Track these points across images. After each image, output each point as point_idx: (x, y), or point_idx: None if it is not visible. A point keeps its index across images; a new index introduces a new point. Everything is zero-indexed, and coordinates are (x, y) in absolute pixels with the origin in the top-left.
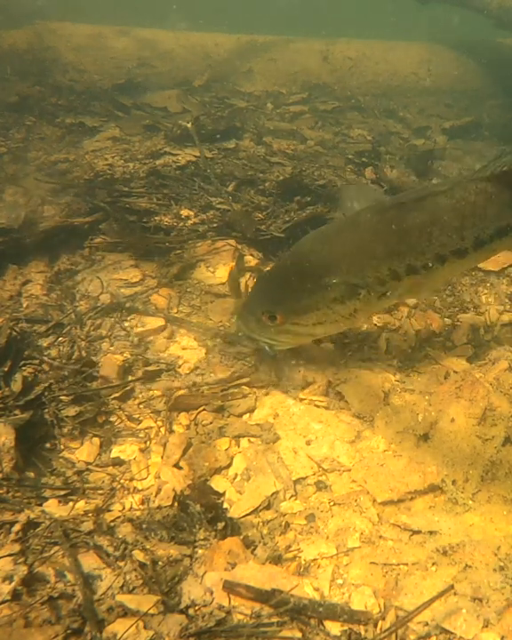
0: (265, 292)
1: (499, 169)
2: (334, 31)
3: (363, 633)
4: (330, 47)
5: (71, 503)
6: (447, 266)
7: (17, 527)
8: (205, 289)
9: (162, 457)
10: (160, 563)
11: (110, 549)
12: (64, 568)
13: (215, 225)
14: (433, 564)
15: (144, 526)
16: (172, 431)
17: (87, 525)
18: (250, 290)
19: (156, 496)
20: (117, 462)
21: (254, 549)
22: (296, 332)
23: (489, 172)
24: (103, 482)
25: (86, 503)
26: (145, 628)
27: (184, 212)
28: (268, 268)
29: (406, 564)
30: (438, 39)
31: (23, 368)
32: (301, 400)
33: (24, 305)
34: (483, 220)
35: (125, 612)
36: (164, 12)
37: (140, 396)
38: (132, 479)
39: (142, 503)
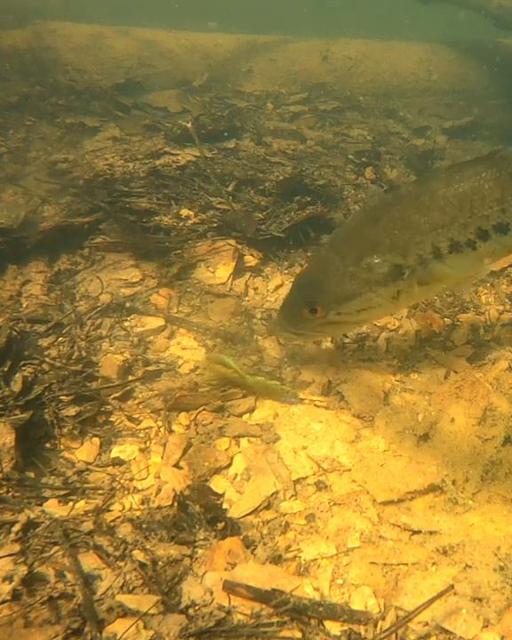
0: (303, 285)
1: None
2: (346, 33)
3: (363, 633)
4: (330, 47)
5: (71, 503)
6: (489, 244)
7: (17, 527)
8: (205, 289)
9: (162, 457)
10: (160, 563)
11: (110, 549)
12: (64, 568)
13: (215, 225)
14: (433, 564)
15: (144, 526)
16: (171, 431)
17: (87, 525)
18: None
19: (155, 496)
20: (117, 462)
21: (254, 549)
22: (340, 321)
23: None
24: (103, 482)
25: (86, 503)
26: (145, 627)
27: (184, 212)
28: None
29: (406, 564)
30: (448, 40)
31: (23, 368)
32: (301, 400)
33: (24, 305)
34: None
35: (125, 612)
36: (168, 12)
37: (140, 396)
38: (131, 479)
39: (142, 503)
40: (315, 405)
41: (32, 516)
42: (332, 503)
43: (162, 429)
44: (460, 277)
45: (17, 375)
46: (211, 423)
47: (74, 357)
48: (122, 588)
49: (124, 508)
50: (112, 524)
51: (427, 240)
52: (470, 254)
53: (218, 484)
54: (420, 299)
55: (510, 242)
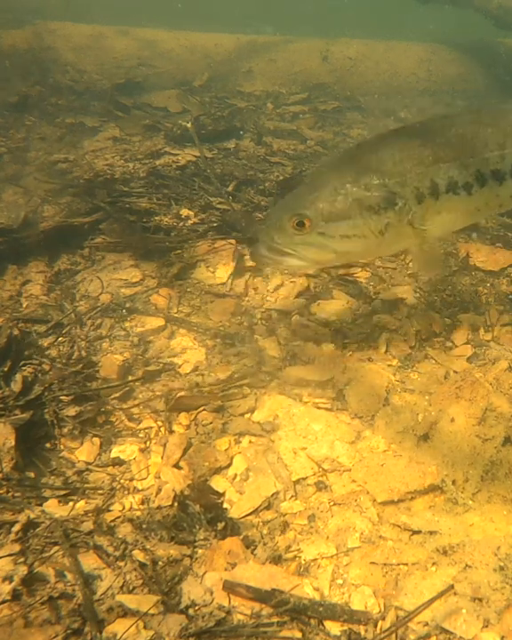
0: (298, 195)
1: None
2: (346, 33)
3: (363, 633)
4: (330, 47)
5: (71, 503)
6: (485, 190)
7: (17, 527)
8: (205, 289)
9: (162, 457)
10: (160, 563)
11: (110, 549)
12: (64, 568)
13: (215, 225)
14: (433, 564)
15: (144, 526)
16: (171, 431)
17: (87, 525)
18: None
19: (156, 496)
20: (117, 462)
21: (254, 549)
22: (321, 244)
23: None
24: (103, 482)
25: (86, 503)
26: (145, 627)
27: (184, 212)
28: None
29: (406, 564)
30: (448, 39)
31: (23, 368)
32: (301, 400)
33: (24, 305)
34: None
35: (125, 612)
36: (170, 13)
37: (140, 396)
38: (132, 479)
39: (142, 503)
40: (315, 406)
41: (32, 515)
42: (332, 503)
43: (162, 429)
44: (446, 226)
45: (17, 375)
46: (211, 423)
47: (74, 357)
48: (122, 588)
49: (123, 508)
50: (112, 523)
51: (427, 173)
52: (465, 200)
53: (218, 484)
54: (402, 245)
55: (504, 194)
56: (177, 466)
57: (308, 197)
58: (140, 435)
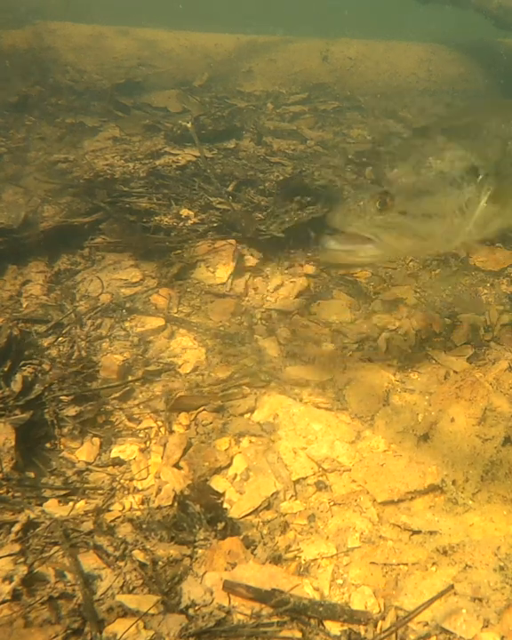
0: (377, 175)
1: None
2: (346, 33)
3: (363, 633)
4: (330, 47)
5: (71, 503)
6: None
7: (17, 527)
8: (205, 289)
9: (162, 457)
10: (160, 563)
11: (110, 549)
12: (64, 568)
13: (215, 225)
14: (433, 564)
15: (144, 526)
16: (171, 431)
17: (87, 525)
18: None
19: (156, 496)
20: (117, 462)
21: (254, 549)
22: (402, 225)
23: None
24: (103, 482)
25: (86, 503)
26: (145, 627)
27: (184, 212)
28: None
29: (406, 564)
30: (448, 39)
31: (23, 368)
32: (301, 400)
33: (24, 305)
34: None
35: (125, 612)
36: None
37: (140, 396)
38: (131, 479)
39: (142, 503)
40: (315, 406)
41: (32, 515)
42: (332, 503)
43: (162, 429)
44: None
45: (17, 375)
46: (211, 423)
47: (74, 357)
48: (122, 588)
49: (123, 508)
50: (112, 523)
51: (507, 148)
52: None
53: (218, 484)
54: (480, 229)
55: None
56: (177, 466)
57: (389, 174)
58: (140, 435)
